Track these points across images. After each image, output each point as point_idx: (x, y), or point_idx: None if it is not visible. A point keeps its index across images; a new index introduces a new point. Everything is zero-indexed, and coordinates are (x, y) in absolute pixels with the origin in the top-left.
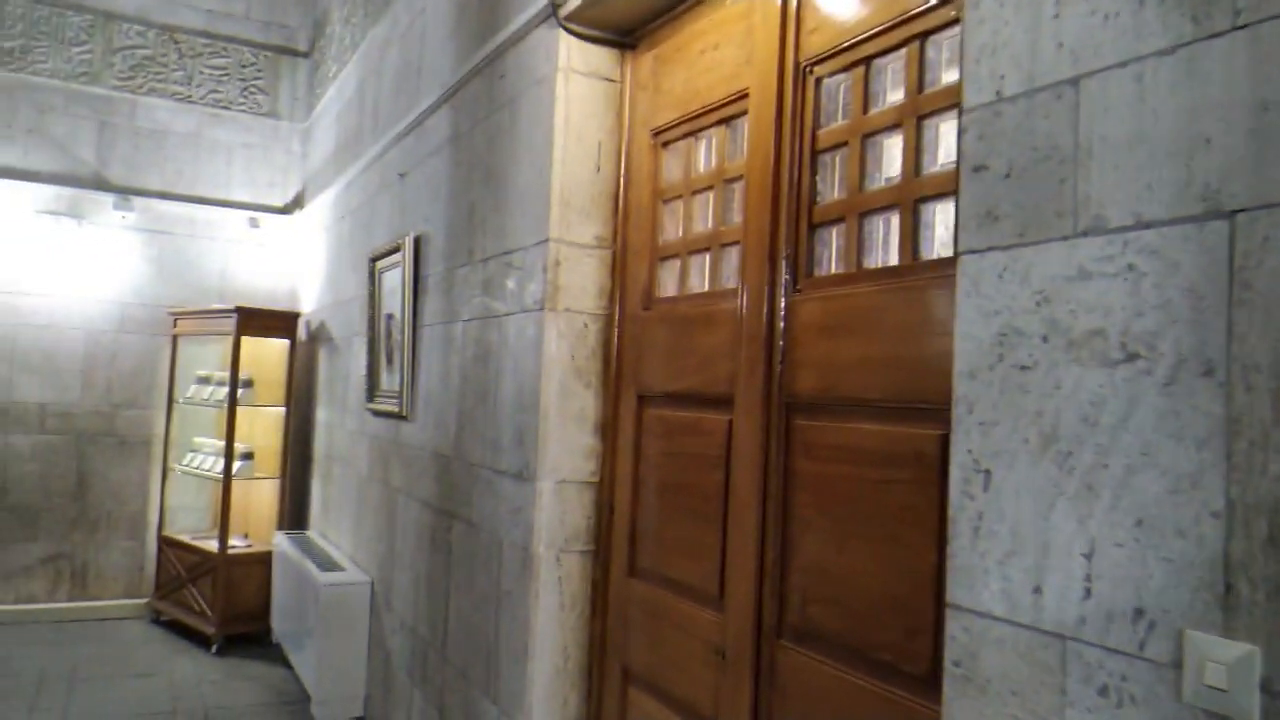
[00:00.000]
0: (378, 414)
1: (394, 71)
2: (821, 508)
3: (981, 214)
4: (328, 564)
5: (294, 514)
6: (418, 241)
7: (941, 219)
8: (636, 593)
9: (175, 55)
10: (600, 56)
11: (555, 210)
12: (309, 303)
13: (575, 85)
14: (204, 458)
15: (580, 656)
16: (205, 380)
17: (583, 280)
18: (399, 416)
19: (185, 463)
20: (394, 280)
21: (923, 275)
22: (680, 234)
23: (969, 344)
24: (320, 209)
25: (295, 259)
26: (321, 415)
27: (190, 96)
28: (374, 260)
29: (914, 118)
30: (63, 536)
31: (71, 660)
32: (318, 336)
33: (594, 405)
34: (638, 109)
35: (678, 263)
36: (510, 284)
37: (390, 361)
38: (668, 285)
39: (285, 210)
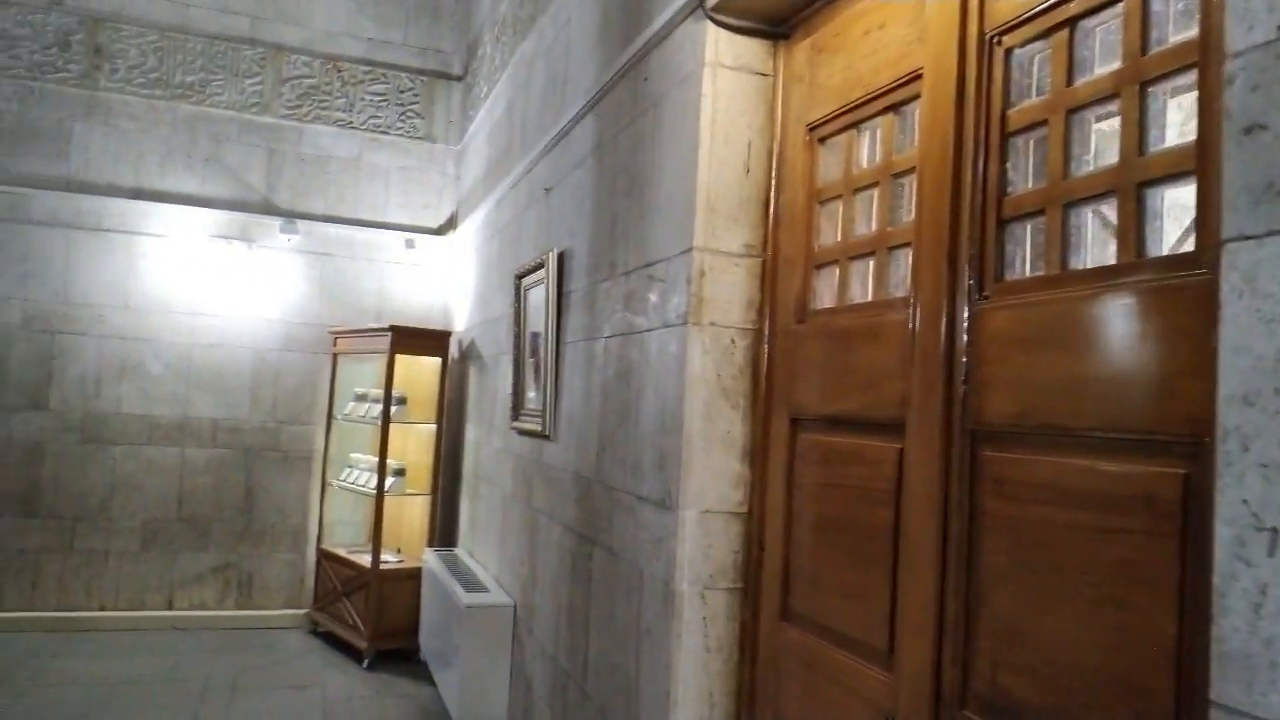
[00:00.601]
0: (521, 433)
1: (540, 86)
2: (1017, 557)
3: (1259, 188)
4: (473, 584)
5: (444, 531)
6: (561, 257)
7: (1173, 206)
8: (790, 640)
9: (338, 83)
10: (750, 49)
11: (700, 217)
12: (460, 322)
13: (723, 81)
14: (359, 473)
15: (728, 705)
16: (362, 397)
17: (729, 292)
18: (541, 436)
19: (342, 478)
20: (538, 297)
21: (1153, 274)
22: (839, 238)
23: (1243, 360)
24: (471, 229)
25: (448, 279)
26: (470, 433)
27: (351, 123)
28: (519, 277)
29: (1135, 85)
30: (231, 547)
31: (234, 669)
32: (468, 355)
33: (741, 428)
34: (791, 103)
35: (836, 270)
36: (652, 297)
37: (534, 380)
38: (824, 296)
39: (439, 231)
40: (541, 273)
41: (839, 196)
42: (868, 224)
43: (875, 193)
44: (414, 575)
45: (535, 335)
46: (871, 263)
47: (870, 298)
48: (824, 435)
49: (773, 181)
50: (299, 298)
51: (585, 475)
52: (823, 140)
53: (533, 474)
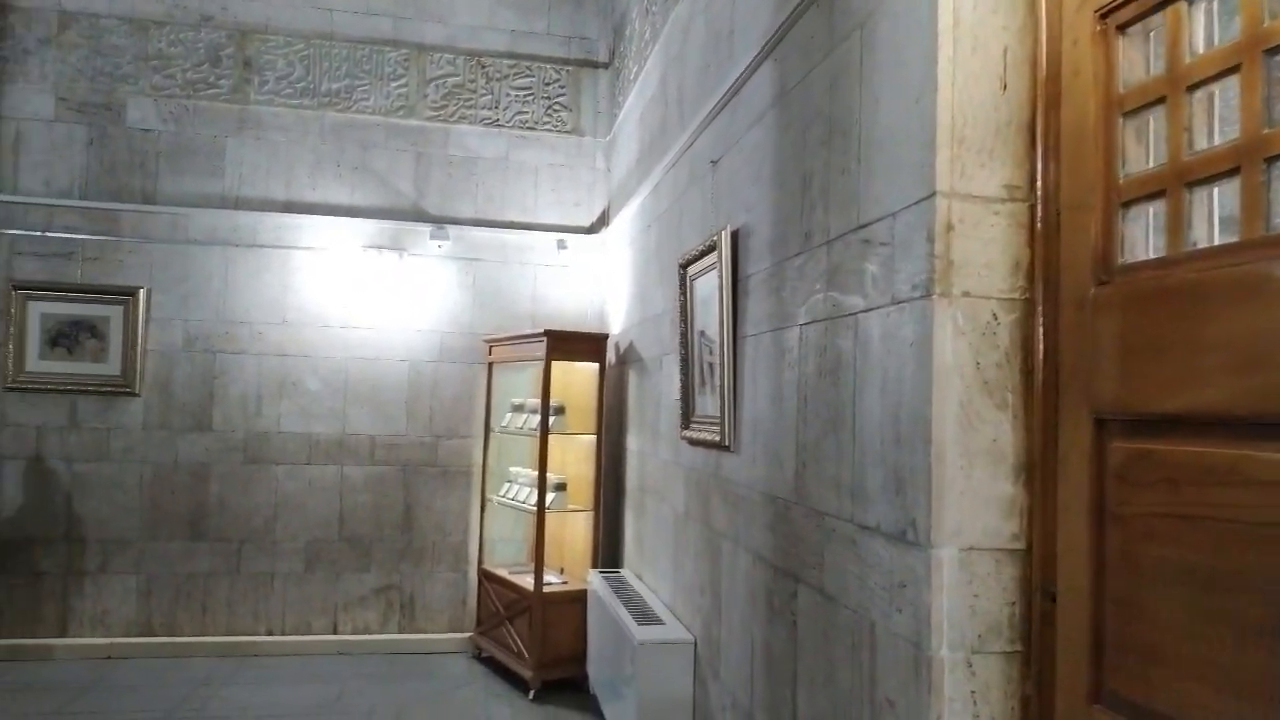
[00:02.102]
0: (694, 443)
1: (699, 48)
2: None
3: None
4: (644, 614)
5: (608, 549)
6: (735, 236)
7: None
8: None
9: (483, 80)
10: None
11: (943, 152)
12: (617, 323)
13: None
14: (519, 488)
15: None
16: (519, 408)
17: (987, 251)
18: (719, 447)
19: (502, 493)
20: (708, 286)
21: None
22: (1164, 158)
23: None
24: (625, 222)
25: (602, 279)
26: (632, 443)
27: (497, 120)
28: (684, 266)
29: None
30: (393, 567)
31: (398, 700)
32: (626, 358)
33: (1012, 435)
34: None
35: (1161, 205)
36: (871, 268)
37: (706, 382)
38: (1142, 244)
39: (591, 229)
40: (711, 258)
41: (1159, 100)
42: (1216, 132)
43: (1230, 82)
44: (579, 599)
45: (701, 334)
46: (1236, 184)
47: (1238, 236)
48: (1161, 442)
49: (1039, 98)
50: (452, 306)
51: (780, 495)
52: (1124, 27)
53: (709, 490)
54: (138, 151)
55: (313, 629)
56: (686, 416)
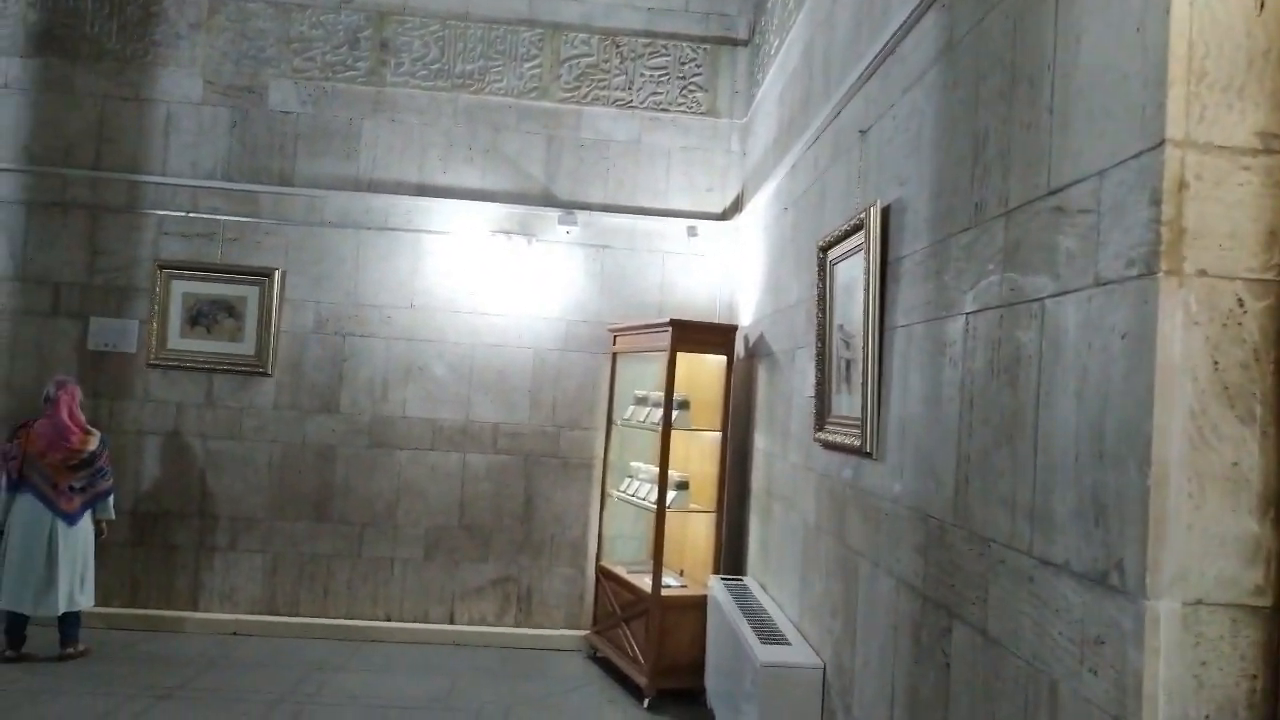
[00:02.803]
0: (829, 446)
1: (850, 6)
2: None
3: None
4: (768, 631)
5: (730, 555)
6: (885, 214)
7: None
8: None
9: (617, 59)
10: None
11: (1176, 90)
12: (747, 315)
13: None
14: (639, 484)
15: None
16: (642, 400)
17: (1232, 217)
18: (858, 452)
19: (622, 488)
20: (851, 271)
21: None
22: None
23: None
24: (759, 208)
25: (733, 268)
26: (760, 442)
27: (630, 102)
28: (824, 249)
29: None
30: (511, 559)
31: (509, 698)
32: (756, 352)
33: (1260, 457)
34: None
35: None
36: (1065, 242)
37: (845, 379)
38: None
39: (723, 216)
40: (856, 239)
41: None
42: None
43: None
44: (698, 605)
45: (843, 323)
46: None
47: None
48: None
49: None
50: (578, 293)
51: (933, 514)
52: None
53: (846, 500)
54: (277, 134)
55: (429, 617)
56: (821, 417)
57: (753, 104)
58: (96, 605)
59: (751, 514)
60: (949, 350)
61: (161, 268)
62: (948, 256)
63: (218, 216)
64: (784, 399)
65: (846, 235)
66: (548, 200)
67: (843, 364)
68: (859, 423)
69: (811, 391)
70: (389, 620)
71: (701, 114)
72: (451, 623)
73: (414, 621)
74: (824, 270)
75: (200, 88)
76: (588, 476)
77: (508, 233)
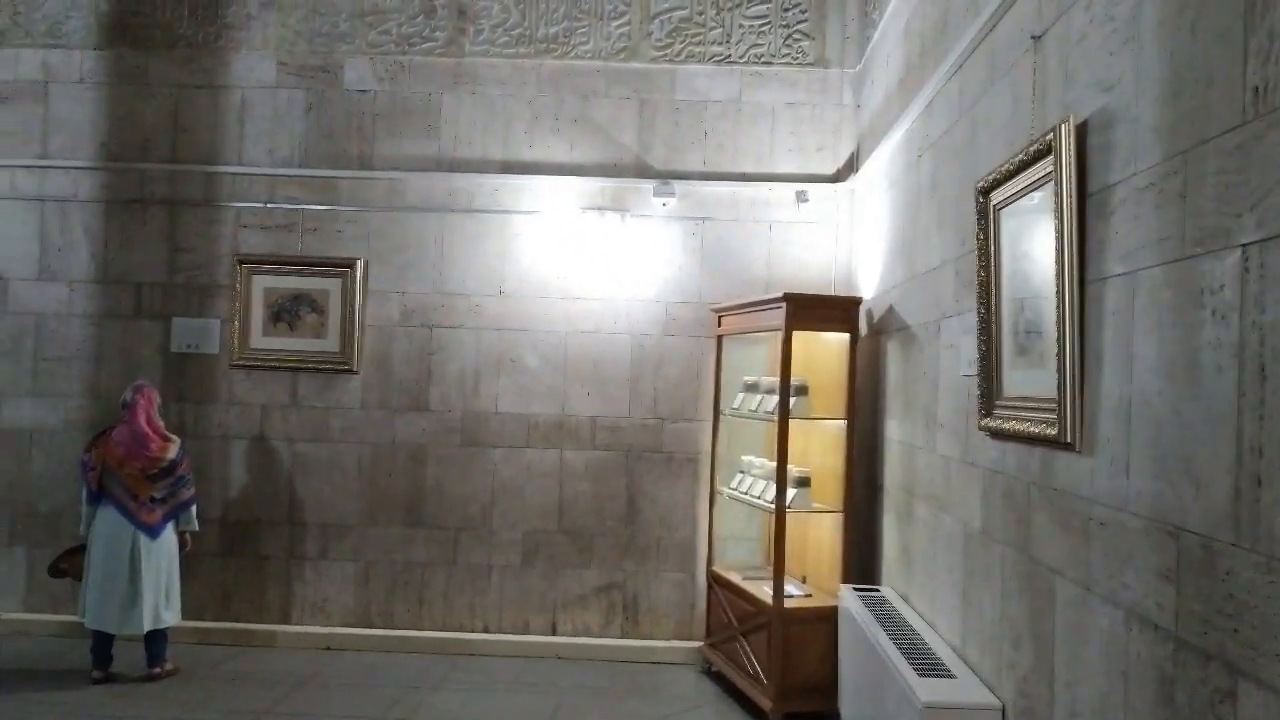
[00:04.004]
0: (1000, 435)
1: None
2: None
3: None
4: (922, 657)
5: (859, 558)
6: (1081, 132)
7: None
8: None
9: (712, 10)
10: None
11: None
12: (869, 287)
13: None
14: (751, 481)
15: None
16: (752, 387)
17: None
18: (1051, 443)
19: (733, 486)
20: (1027, 214)
21: None
22: None
23: None
24: (881, 162)
25: (850, 235)
26: (893, 431)
27: (729, 56)
28: (984, 193)
29: None
30: (615, 564)
31: None
32: (883, 327)
33: None
34: None
35: None
36: None
37: (1023, 351)
38: None
39: (836, 177)
40: (1037, 170)
41: None
42: None
43: None
44: (826, 617)
45: (1016, 280)
46: None
47: None
48: None
49: None
50: (677, 272)
51: (1190, 527)
52: None
53: (1031, 504)
54: (354, 114)
55: (530, 628)
56: (988, 399)
57: (868, 48)
58: (189, 619)
59: (885, 514)
60: (1211, 300)
61: (241, 263)
62: (1202, 170)
63: (296, 206)
64: (927, 380)
65: (1019, 170)
66: (641, 171)
67: (1018, 332)
68: (1052, 405)
69: (971, 369)
70: (487, 632)
71: (808, 65)
72: (554, 634)
73: (514, 633)
74: (985, 218)
75: (274, 70)
76: (694, 473)
77: (599, 209)
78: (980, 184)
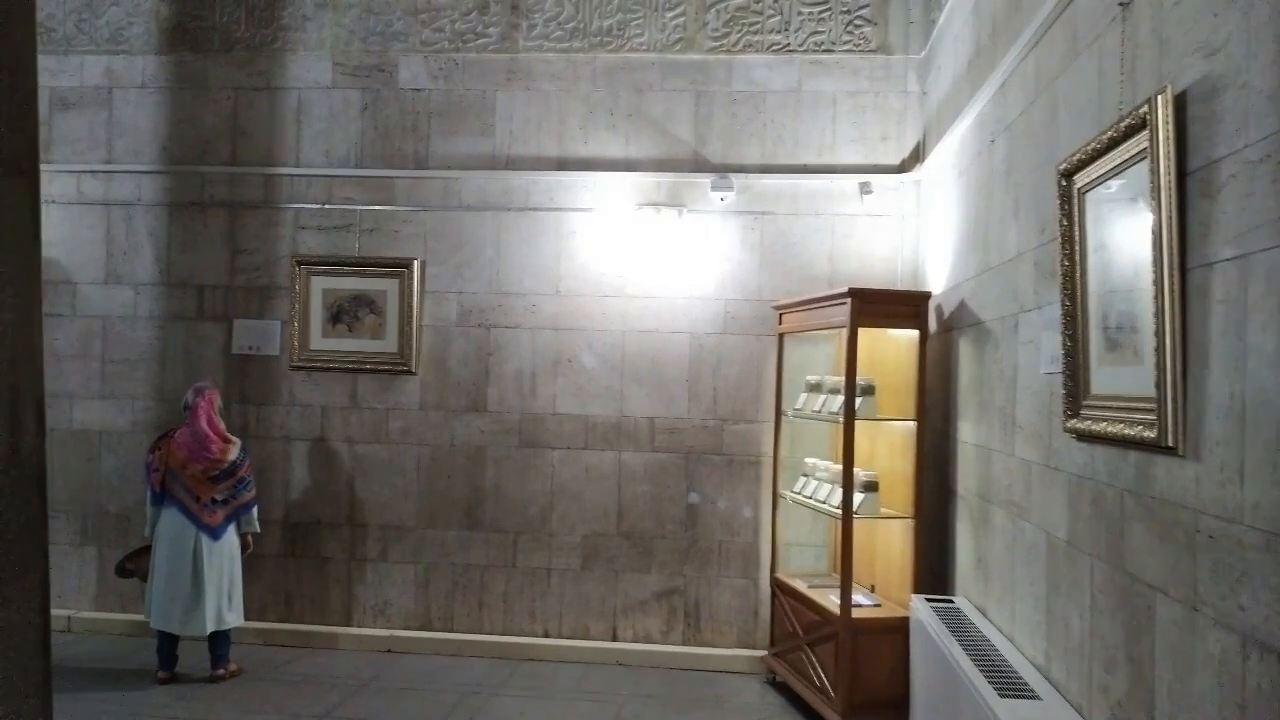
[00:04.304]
0: (1089, 438)
1: None
2: None
3: None
4: (1002, 676)
5: (931, 567)
6: (1179, 103)
7: None
8: None
9: None
10: None
11: None
12: (937, 281)
13: None
14: (816, 484)
15: None
16: (815, 387)
17: None
18: (1151, 446)
19: (797, 489)
20: (1118, 196)
21: None
22: None
23: None
24: (949, 150)
25: (916, 228)
26: (966, 433)
27: (787, 45)
28: (1067, 176)
29: None
30: (675, 569)
31: None
32: (954, 324)
33: None
34: None
35: None
36: None
37: (1114, 345)
38: None
39: (901, 168)
40: (1129, 148)
41: None
42: None
43: None
44: (897, 629)
45: (1106, 269)
46: None
47: None
48: None
49: None
50: (736, 268)
51: None
52: None
53: (1123, 511)
54: (409, 113)
55: (590, 633)
56: (1074, 399)
57: (933, 32)
58: (253, 620)
59: (958, 521)
60: None
61: (300, 264)
62: None
63: (353, 207)
64: (1003, 379)
65: (1106, 149)
66: (698, 165)
67: (1108, 326)
68: (1149, 405)
69: (1054, 367)
70: (547, 637)
71: (870, 52)
72: (614, 639)
73: (574, 638)
74: (1068, 203)
75: (329, 71)
76: (756, 475)
77: (656, 205)
78: (1062, 167)
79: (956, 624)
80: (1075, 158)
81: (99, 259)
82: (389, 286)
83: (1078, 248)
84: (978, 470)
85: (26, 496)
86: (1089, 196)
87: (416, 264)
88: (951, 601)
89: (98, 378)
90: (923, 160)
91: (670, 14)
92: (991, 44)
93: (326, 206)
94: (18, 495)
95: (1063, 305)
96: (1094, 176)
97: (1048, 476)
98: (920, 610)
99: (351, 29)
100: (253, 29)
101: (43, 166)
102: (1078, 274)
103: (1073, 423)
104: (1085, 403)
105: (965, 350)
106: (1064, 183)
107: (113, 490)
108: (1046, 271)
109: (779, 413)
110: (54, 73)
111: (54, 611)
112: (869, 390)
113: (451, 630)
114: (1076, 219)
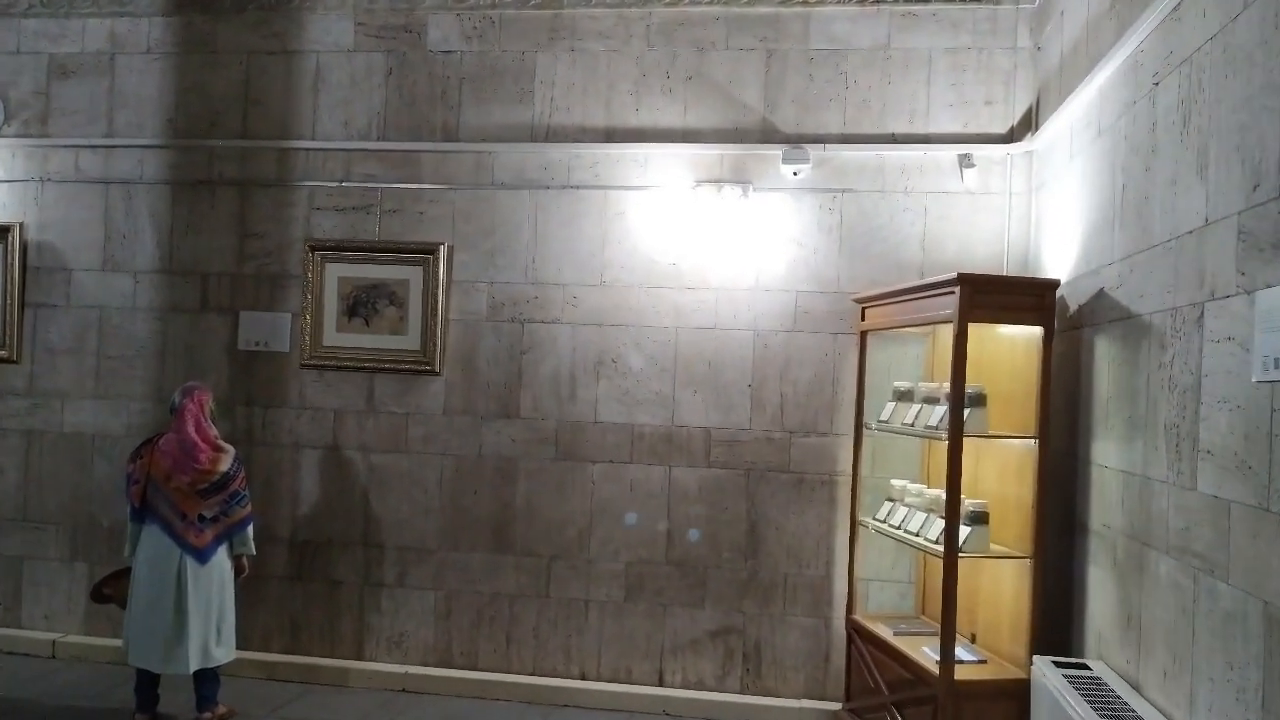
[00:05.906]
0: None
1: None
2: None
3: None
4: None
5: (1051, 618)
6: None
7: None
8: None
9: None
10: None
11: None
12: (1062, 269)
13: None
14: (906, 511)
15: None
16: (905, 395)
17: None
18: None
19: (881, 516)
20: None
21: None
22: None
23: None
24: (1078, 110)
25: (1027, 207)
26: (1107, 455)
27: None
28: None
29: None
30: (733, 604)
31: None
32: (1085, 319)
33: None
34: None
35: None
36: None
37: None
38: None
39: (1008, 137)
40: None
41: None
42: None
43: None
44: (1012, 694)
45: None
46: None
47: None
48: None
49: None
50: (809, 255)
51: None
52: None
53: None
54: (439, 78)
55: (633, 676)
56: None
57: None
58: (254, 650)
59: (1091, 564)
60: None
61: (314, 249)
62: None
63: (374, 185)
64: (1173, 388)
65: None
66: (767, 135)
67: None
68: None
69: (1274, 373)
70: (584, 679)
71: (973, 2)
72: (660, 684)
73: (614, 681)
74: None
75: (351, 32)
76: (829, 498)
77: (717, 181)
78: None
79: (1101, 700)
80: None
81: (96, 242)
82: (412, 275)
83: None
84: (1125, 503)
85: None
86: None
87: (443, 249)
88: (1087, 667)
89: (92, 375)
90: (1036, 128)
91: None
92: None
93: (344, 184)
94: None
95: None
96: None
97: (1266, 525)
98: (1047, 676)
99: None
100: None
101: (39, 141)
102: None
103: None
104: None
105: (1106, 351)
106: None
107: (106, 500)
108: (1262, 241)
109: (860, 425)
110: (54, 38)
111: (39, 635)
112: (979, 400)
113: (475, 668)
114: None
